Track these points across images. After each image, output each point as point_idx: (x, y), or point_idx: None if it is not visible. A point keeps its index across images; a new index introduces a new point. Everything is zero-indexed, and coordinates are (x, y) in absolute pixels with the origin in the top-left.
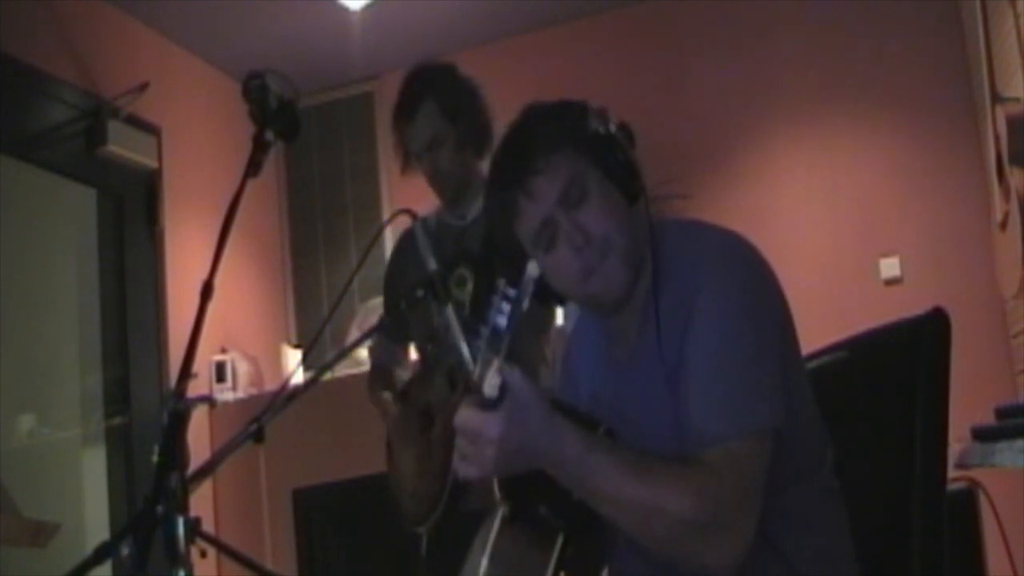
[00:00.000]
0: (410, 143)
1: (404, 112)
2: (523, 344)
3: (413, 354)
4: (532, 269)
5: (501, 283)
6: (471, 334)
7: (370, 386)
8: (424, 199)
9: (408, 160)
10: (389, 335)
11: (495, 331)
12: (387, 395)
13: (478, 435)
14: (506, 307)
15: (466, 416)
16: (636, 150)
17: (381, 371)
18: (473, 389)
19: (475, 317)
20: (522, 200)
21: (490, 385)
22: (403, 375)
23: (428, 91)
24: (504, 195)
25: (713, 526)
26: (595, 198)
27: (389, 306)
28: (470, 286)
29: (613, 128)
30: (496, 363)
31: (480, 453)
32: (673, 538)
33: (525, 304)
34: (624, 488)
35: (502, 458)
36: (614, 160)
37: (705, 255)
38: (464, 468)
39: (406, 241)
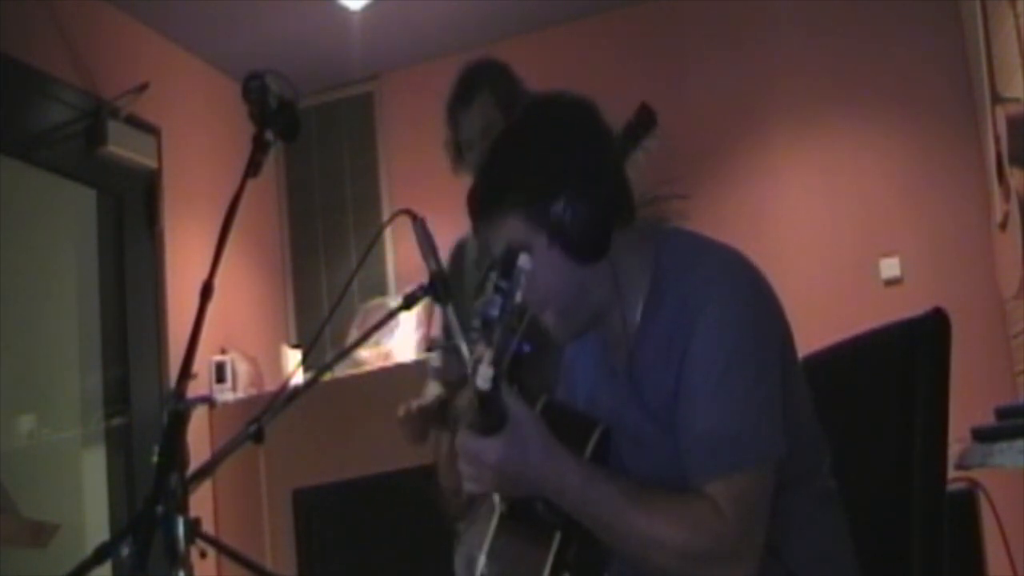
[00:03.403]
0: (464, 130)
1: (460, 99)
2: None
3: None
4: (524, 261)
5: (493, 275)
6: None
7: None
8: (424, 199)
9: (459, 155)
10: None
11: (487, 321)
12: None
13: (477, 460)
14: (498, 299)
15: (465, 440)
16: (657, 133)
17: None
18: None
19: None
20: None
21: (482, 377)
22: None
23: (485, 81)
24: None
25: (714, 559)
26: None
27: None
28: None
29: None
30: (488, 355)
31: (480, 476)
32: (673, 569)
33: (517, 295)
34: (624, 519)
35: (502, 482)
36: (561, 236)
37: (706, 276)
38: (468, 487)
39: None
